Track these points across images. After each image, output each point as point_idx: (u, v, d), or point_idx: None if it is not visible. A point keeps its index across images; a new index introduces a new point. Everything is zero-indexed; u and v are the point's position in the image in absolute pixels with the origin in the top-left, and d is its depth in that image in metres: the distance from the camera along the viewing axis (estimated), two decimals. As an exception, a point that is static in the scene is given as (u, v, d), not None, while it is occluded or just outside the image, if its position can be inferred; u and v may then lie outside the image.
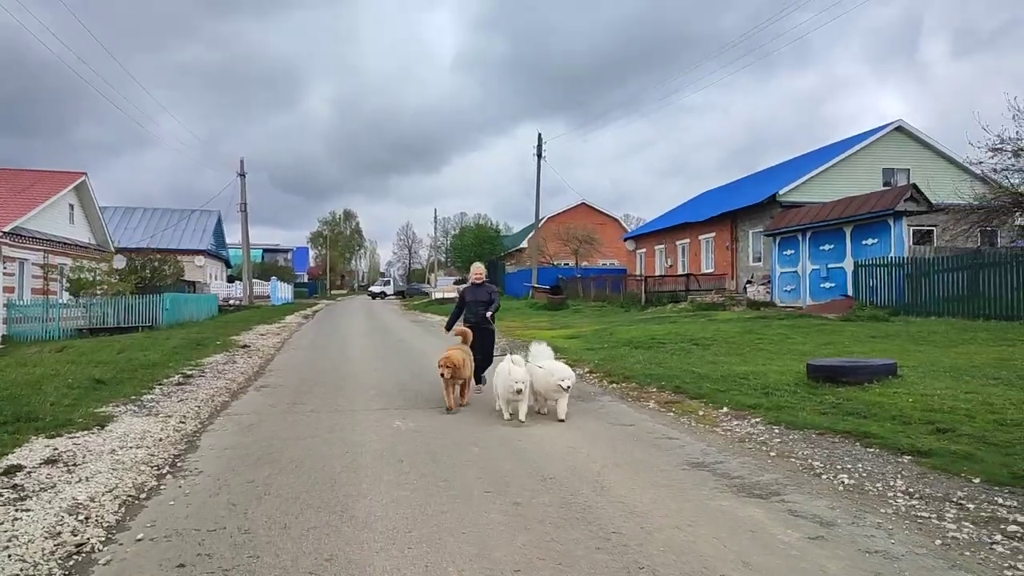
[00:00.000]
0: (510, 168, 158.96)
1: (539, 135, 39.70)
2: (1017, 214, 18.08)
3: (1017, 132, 16.97)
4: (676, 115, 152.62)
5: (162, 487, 4.96)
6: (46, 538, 3.81)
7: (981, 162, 20.09)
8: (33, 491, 4.64)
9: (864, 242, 20.92)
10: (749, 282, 27.11)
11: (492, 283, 10.57)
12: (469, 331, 8.98)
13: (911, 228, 25.66)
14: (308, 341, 18.60)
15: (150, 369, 10.71)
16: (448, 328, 9.65)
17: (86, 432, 6.39)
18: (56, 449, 5.70)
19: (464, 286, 10.34)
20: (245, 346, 15.82)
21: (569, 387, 7.04)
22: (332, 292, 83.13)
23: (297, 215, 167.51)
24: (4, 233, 22.23)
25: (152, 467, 5.42)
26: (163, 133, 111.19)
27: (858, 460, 5.40)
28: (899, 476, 4.95)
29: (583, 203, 57.41)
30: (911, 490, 4.64)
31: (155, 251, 35.03)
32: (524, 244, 55.06)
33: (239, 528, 4.10)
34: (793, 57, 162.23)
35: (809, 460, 5.50)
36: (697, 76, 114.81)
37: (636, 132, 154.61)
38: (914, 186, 19.81)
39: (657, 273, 35.36)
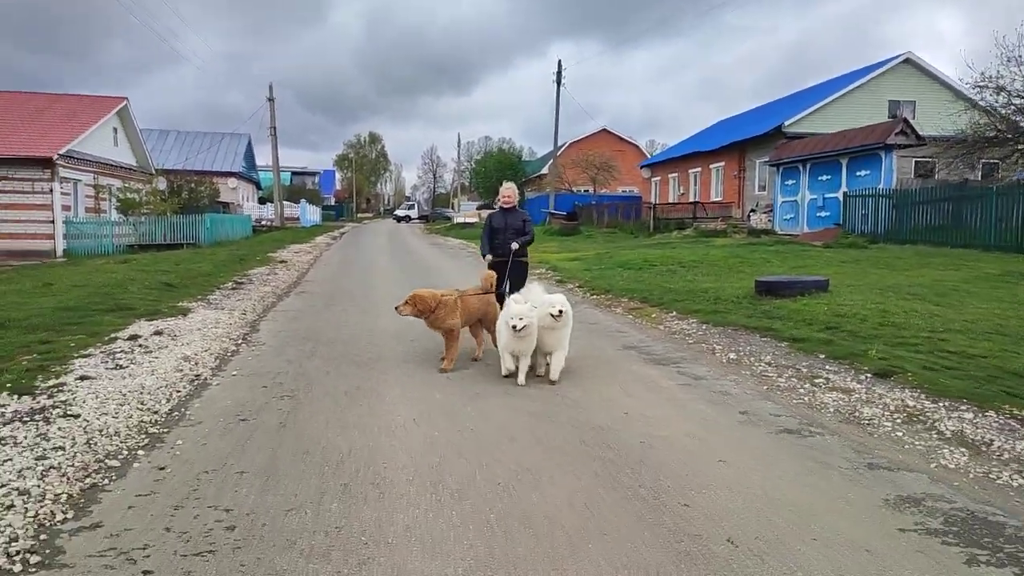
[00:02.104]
0: (541, 89, 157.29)
1: (559, 62, 40.35)
2: (1000, 147, 19.02)
3: (998, 71, 17.82)
4: (714, 35, 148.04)
5: (240, 351, 6.99)
6: (175, 371, 5.83)
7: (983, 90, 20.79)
8: (154, 348, 6.69)
9: (858, 173, 22.11)
10: (753, 210, 28.41)
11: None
12: (493, 274, 7.23)
13: (914, 160, 26.59)
14: (338, 258, 20.67)
15: (207, 277, 12.78)
16: (484, 254, 7.84)
17: (174, 318, 8.44)
18: (157, 327, 7.74)
19: (491, 211, 8.64)
20: (283, 261, 17.88)
21: (561, 313, 5.77)
22: (358, 215, 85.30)
23: (324, 137, 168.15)
24: (59, 155, 24.22)
25: (230, 339, 7.46)
26: (189, 51, 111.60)
27: (749, 345, 7.23)
28: (770, 354, 6.78)
29: (604, 129, 57.98)
30: (771, 361, 6.48)
31: (191, 173, 37.14)
32: (545, 170, 56.13)
33: (297, 371, 6.10)
34: None
35: (713, 345, 7.35)
36: None
37: (672, 53, 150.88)
38: (905, 120, 20.82)
39: (670, 200, 36.61)
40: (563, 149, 50.44)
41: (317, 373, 6.08)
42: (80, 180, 26.67)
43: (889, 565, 2.85)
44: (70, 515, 3.21)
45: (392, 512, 3.29)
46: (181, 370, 5.93)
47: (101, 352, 6.43)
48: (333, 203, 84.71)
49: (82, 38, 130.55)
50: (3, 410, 4.57)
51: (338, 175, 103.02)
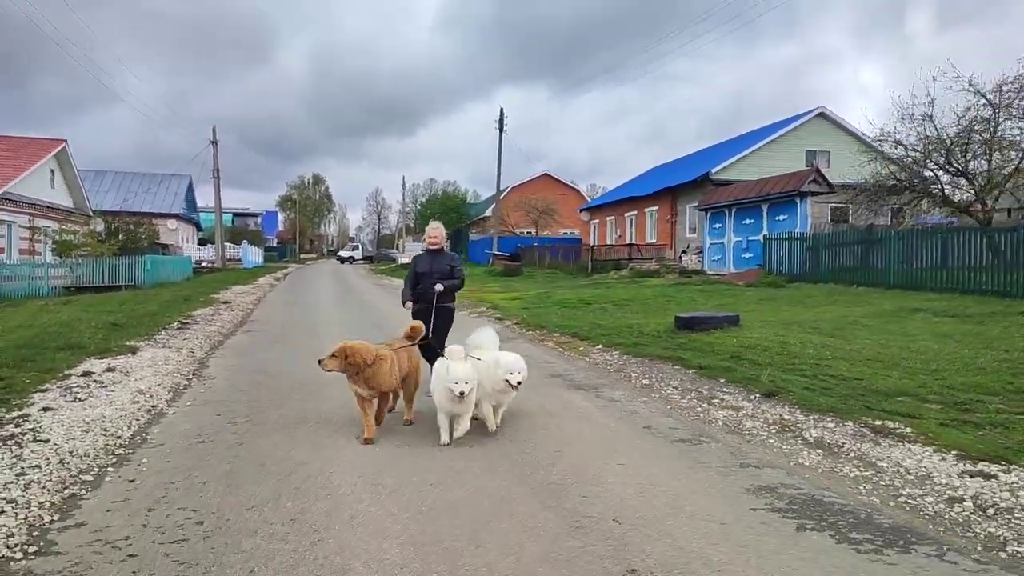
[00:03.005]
0: (487, 133, 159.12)
1: (501, 109, 41.90)
2: (898, 196, 20.88)
3: (894, 127, 19.72)
4: (658, 82, 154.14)
5: (191, 384, 7.46)
6: (131, 403, 6.29)
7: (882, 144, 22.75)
8: (109, 383, 7.11)
9: (778, 218, 23.78)
10: (684, 252, 29.95)
11: (455, 251, 8.59)
12: (421, 325, 6.50)
13: (829, 206, 28.59)
14: (282, 299, 20.97)
15: (152, 317, 13.04)
16: (405, 301, 7.22)
17: (124, 355, 8.81)
18: (109, 364, 8.12)
19: (417, 254, 8.05)
20: (226, 302, 18.12)
21: (519, 384, 5.32)
22: (302, 256, 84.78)
23: (267, 178, 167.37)
24: (-5, 198, 23.98)
25: (181, 374, 7.90)
26: (128, 90, 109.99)
27: (661, 372, 8.09)
28: (678, 379, 7.64)
29: (546, 174, 59.82)
30: (677, 386, 7.33)
31: (129, 214, 36.77)
32: (489, 212, 57.40)
33: (249, 400, 6.64)
34: (778, 25, 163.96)
35: (630, 373, 8.19)
36: (681, 42, 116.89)
37: (617, 99, 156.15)
38: (817, 169, 22.68)
39: (608, 242, 38.08)
40: (506, 192, 51.80)
41: (267, 402, 6.62)
42: (15, 222, 26.33)
43: (736, 532, 3.62)
44: (56, 517, 3.72)
45: (339, 506, 3.91)
46: (137, 402, 6.39)
47: (58, 387, 6.83)
48: (275, 244, 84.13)
49: (14, 73, 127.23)
50: (-25, 437, 4.99)
51: (281, 216, 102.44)
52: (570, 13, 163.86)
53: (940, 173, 19.51)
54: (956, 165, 18.80)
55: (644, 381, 7.70)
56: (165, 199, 48.24)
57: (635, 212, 35.96)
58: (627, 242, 34.81)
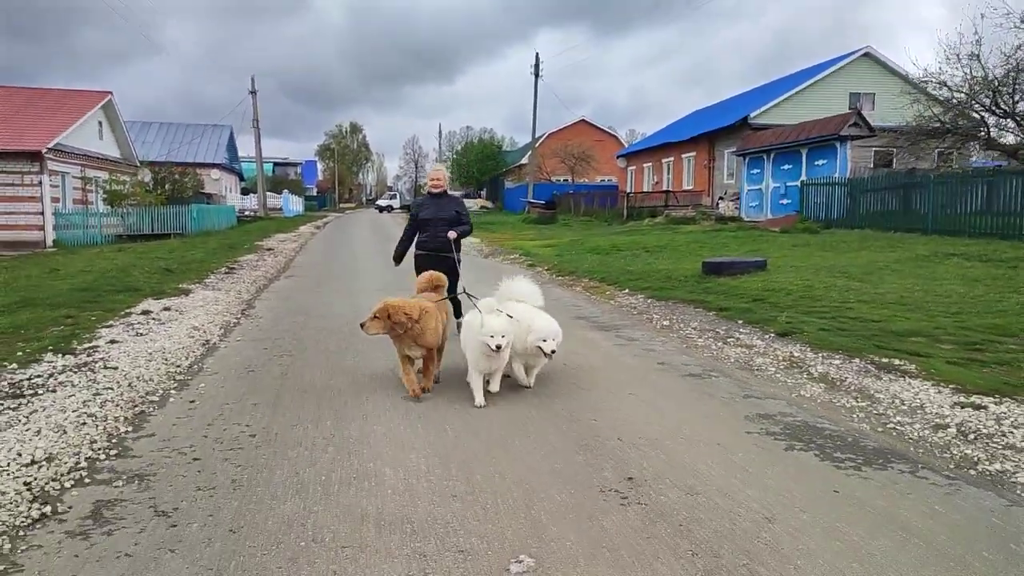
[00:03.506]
0: (524, 78, 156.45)
1: (536, 54, 41.38)
2: (941, 139, 20.33)
3: (939, 66, 19.11)
4: (702, 21, 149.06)
5: (240, 323, 8.04)
6: (188, 337, 6.87)
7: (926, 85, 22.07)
8: (166, 320, 7.73)
9: (817, 163, 23.36)
10: (721, 198, 29.66)
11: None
12: (442, 276, 5.95)
13: (873, 150, 27.91)
14: (322, 246, 21.65)
15: (201, 263, 13.74)
16: (398, 259, 7.01)
17: (178, 297, 9.45)
18: (165, 305, 8.75)
19: (418, 199, 7.46)
20: (270, 249, 18.83)
21: (554, 352, 4.96)
22: (341, 205, 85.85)
23: (306, 127, 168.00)
24: (48, 149, 24.90)
25: (231, 314, 8.50)
26: (169, 40, 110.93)
27: (683, 314, 8.39)
28: (697, 321, 7.94)
29: (583, 120, 59.02)
30: (696, 326, 7.65)
31: (175, 164, 37.80)
32: (525, 160, 57.19)
33: (293, 338, 7.18)
34: None
35: (652, 315, 8.51)
36: None
37: (660, 40, 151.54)
38: (858, 112, 22.10)
39: (645, 189, 37.82)
40: (542, 139, 51.46)
41: (310, 339, 7.15)
42: (68, 173, 27.34)
43: (729, 451, 3.99)
44: (130, 429, 4.28)
45: (373, 426, 4.39)
46: (193, 336, 6.98)
47: (121, 323, 7.46)
48: (315, 193, 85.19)
49: (58, 27, 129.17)
50: (55, 364, 5.61)
51: (320, 165, 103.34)
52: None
53: (986, 115, 18.94)
54: (1003, 106, 18.23)
55: (665, 322, 8.03)
56: (208, 149, 49.18)
57: (672, 158, 35.54)
58: (664, 189, 34.54)
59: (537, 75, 41.10)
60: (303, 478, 3.56)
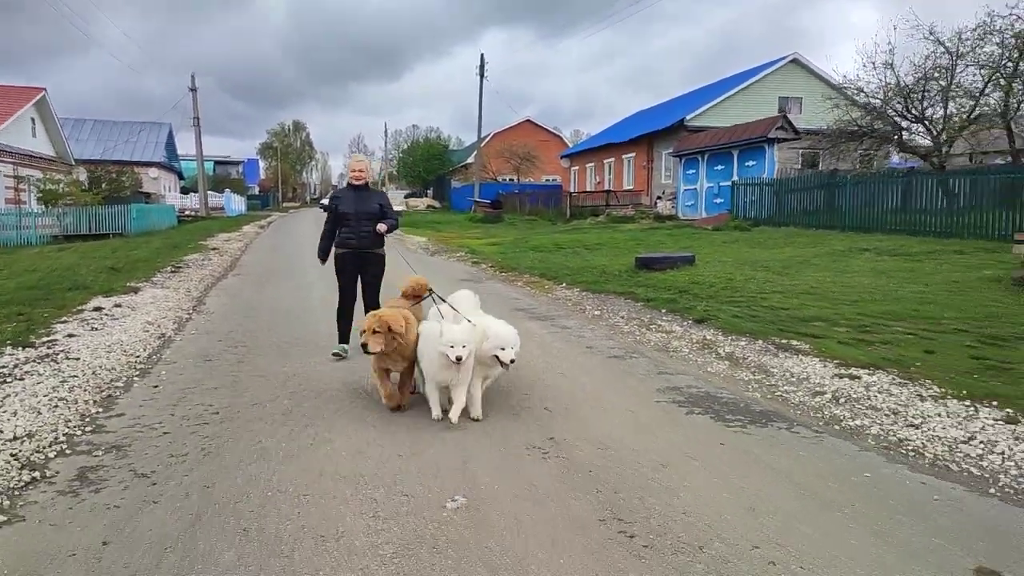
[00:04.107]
0: (471, 77, 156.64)
1: (481, 55, 41.90)
2: (858, 142, 21.71)
3: (856, 73, 20.45)
4: (647, 23, 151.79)
5: (192, 318, 8.36)
6: (142, 331, 7.19)
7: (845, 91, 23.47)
8: (119, 316, 8.00)
9: (747, 164, 24.59)
10: (659, 198, 30.78)
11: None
12: (423, 279, 5.60)
13: (800, 152, 29.38)
14: (267, 245, 21.73)
15: (146, 262, 13.83)
16: (324, 257, 6.50)
17: (128, 295, 9.66)
18: (116, 302, 8.98)
19: (336, 190, 6.41)
20: (214, 248, 18.86)
21: (512, 362, 4.54)
22: (284, 204, 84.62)
23: (248, 125, 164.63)
24: (-22, 147, 24.25)
25: (182, 310, 8.80)
26: (104, 34, 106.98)
27: (612, 305, 9.08)
28: (625, 311, 8.64)
29: (528, 120, 59.83)
30: (624, 315, 8.34)
31: (112, 163, 36.99)
32: (471, 160, 57.66)
33: (244, 330, 7.56)
34: None
35: (585, 306, 9.18)
36: None
37: (605, 41, 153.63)
38: (784, 116, 23.44)
39: (587, 189, 38.78)
40: (488, 139, 52.01)
41: (260, 330, 7.56)
42: (0, 172, 26.60)
43: (637, 416, 4.64)
44: (100, 410, 4.67)
45: (326, 405, 4.88)
46: (147, 331, 7.30)
47: (75, 319, 7.71)
48: (258, 192, 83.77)
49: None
50: (17, 356, 5.89)
51: (262, 164, 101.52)
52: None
53: (899, 120, 20.34)
54: (914, 112, 19.65)
55: (596, 312, 8.70)
56: (146, 148, 48.10)
57: (613, 159, 36.58)
58: (605, 188, 35.54)
59: (482, 76, 41.64)
60: (265, 445, 4.04)
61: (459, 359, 4.25)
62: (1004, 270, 9.96)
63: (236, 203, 56.91)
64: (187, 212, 44.33)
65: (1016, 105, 18.83)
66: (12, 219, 25.54)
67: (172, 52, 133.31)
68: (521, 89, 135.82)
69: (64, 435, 4.16)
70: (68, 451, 3.94)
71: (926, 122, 19.91)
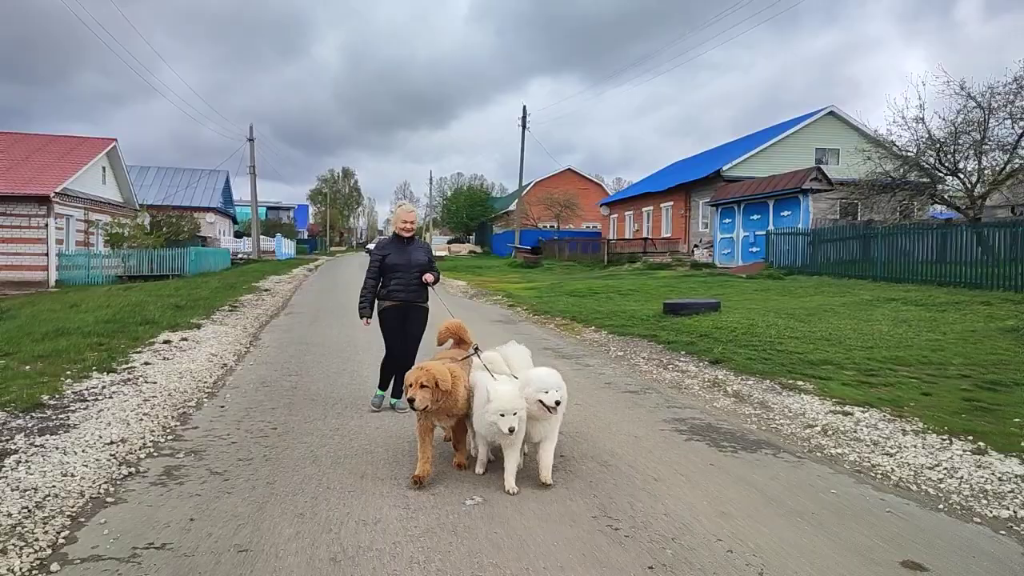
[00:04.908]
0: (515, 125, 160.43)
1: (524, 107, 43.46)
2: (890, 195, 22.00)
3: (887, 130, 20.92)
4: (692, 72, 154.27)
5: (251, 351, 9.23)
6: (207, 361, 8.06)
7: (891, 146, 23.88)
8: (186, 348, 8.91)
9: (782, 214, 25.03)
10: (696, 246, 31.28)
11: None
12: (465, 327, 5.51)
13: (839, 202, 29.66)
14: (316, 287, 22.88)
15: (206, 301, 14.93)
16: (368, 313, 6.24)
17: (191, 330, 10.63)
18: (182, 336, 9.94)
19: (380, 241, 6.70)
20: (267, 290, 20.03)
21: (558, 404, 4.23)
22: (331, 249, 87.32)
23: (299, 170, 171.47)
24: (56, 193, 26.21)
25: (240, 344, 9.70)
26: (167, 85, 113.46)
27: (635, 346, 9.66)
28: (647, 352, 9.21)
29: (569, 169, 61.23)
30: (645, 356, 8.91)
31: (172, 208, 39.32)
32: (513, 207, 59.06)
33: (298, 361, 8.38)
34: (818, 12, 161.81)
35: (609, 346, 9.78)
36: (718, 30, 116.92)
37: (650, 91, 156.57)
38: (819, 168, 23.89)
39: (626, 236, 39.48)
40: (529, 187, 53.39)
41: (312, 362, 8.37)
42: (72, 216, 28.62)
43: (642, 441, 5.22)
44: (178, 423, 5.48)
45: (368, 422, 5.59)
46: (212, 360, 8.18)
47: (148, 350, 8.64)
48: (307, 237, 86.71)
49: (56, 68, 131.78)
50: (103, 380, 6.79)
51: (311, 209, 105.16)
52: (605, 2, 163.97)
53: (932, 172, 20.67)
54: (947, 165, 19.95)
55: (619, 353, 9.30)
56: (204, 194, 50.71)
57: (651, 207, 37.30)
58: (643, 236, 36.20)
59: (524, 126, 43.10)
60: (317, 454, 4.77)
61: (512, 430, 4.05)
62: None
63: (286, 247, 59.19)
64: (240, 255, 46.41)
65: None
66: (82, 260, 27.41)
67: (229, 100, 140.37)
68: (565, 137, 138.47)
69: (150, 442, 4.95)
70: (155, 454, 4.72)
71: (960, 175, 20.18)
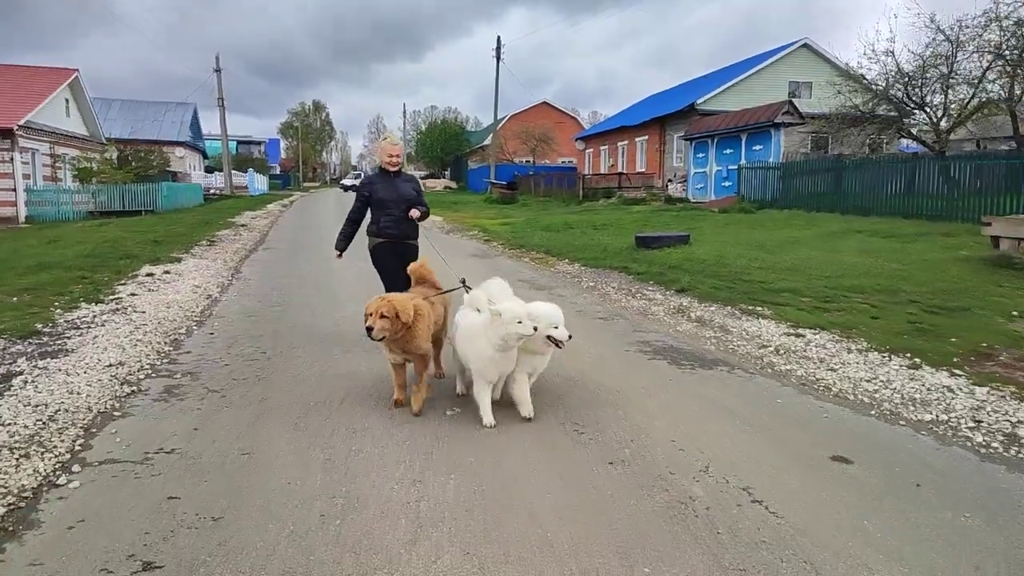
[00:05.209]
0: (491, 57, 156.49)
1: (498, 38, 42.57)
2: (860, 129, 22.31)
3: (857, 63, 21.08)
4: (672, 2, 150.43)
5: (232, 283, 9.46)
6: (192, 292, 8.30)
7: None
8: (170, 280, 9.13)
9: (754, 148, 25.30)
10: (670, 180, 31.53)
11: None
12: (427, 268, 5.35)
13: (810, 136, 29.91)
14: (292, 222, 22.87)
15: (183, 236, 14.99)
16: (342, 248, 6.17)
17: (173, 264, 10.80)
18: (164, 269, 10.11)
19: (367, 175, 6.81)
20: (243, 225, 20.03)
21: (570, 338, 4.26)
22: (305, 184, 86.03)
23: (269, 104, 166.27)
24: (19, 126, 25.52)
25: (222, 276, 9.92)
26: (127, 11, 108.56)
27: (608, 278, 10.05)
28: (617, 282, 9.61)
29: (544, 102, 60.49)
30: (615, 286, 9.31)
31: (140, 142, 38.43)
32: (488, 141, 58.43)
33: (279, 292, 8.66)
34: None
35: (582, 278, 10.16)
36: None
37: (628, 19, 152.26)
38: (790, 101, 24.06)
39: (601, 171, 39.53)
40: (505, 121, 52.81)
41: (293, 292, 8.66)
42: (38, 150, 27.92)
43: (608, 360, 5.64)
44: (171, 348, 5.78)
45: (352, 347, 5.93)
46: (196, 292, 8.42)
47: (132, 282, 8.84)
48: (279, 172, 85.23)
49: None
50: (92, 310, 7.02)
51: (283, 143, 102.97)
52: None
53: (900, 106, 20.93)
54: (914, 99, 20.22)
55: (590, 284, 9.68)
56: (172, 127, 49.39)
57: (626, 141, 37.28)
58: (618, 171, 36.29)
59: (499, 58, 42.36)
60: (305, 375, 5.11)
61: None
62: (979, 251, 10.78)
63: (259, 183, 58.31)
64: (212, 191, 45.72)
65: (1020, 92, 19.32)
66: (51, 195, 26.95)
67: (195, 30, 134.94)
68: (541, 69, 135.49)
69: (147, 364, 5.26)
70: (153, 375, 5.03)
71: (927, 109, 20.47)
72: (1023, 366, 5.34)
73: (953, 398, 4.59)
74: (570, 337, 4.22)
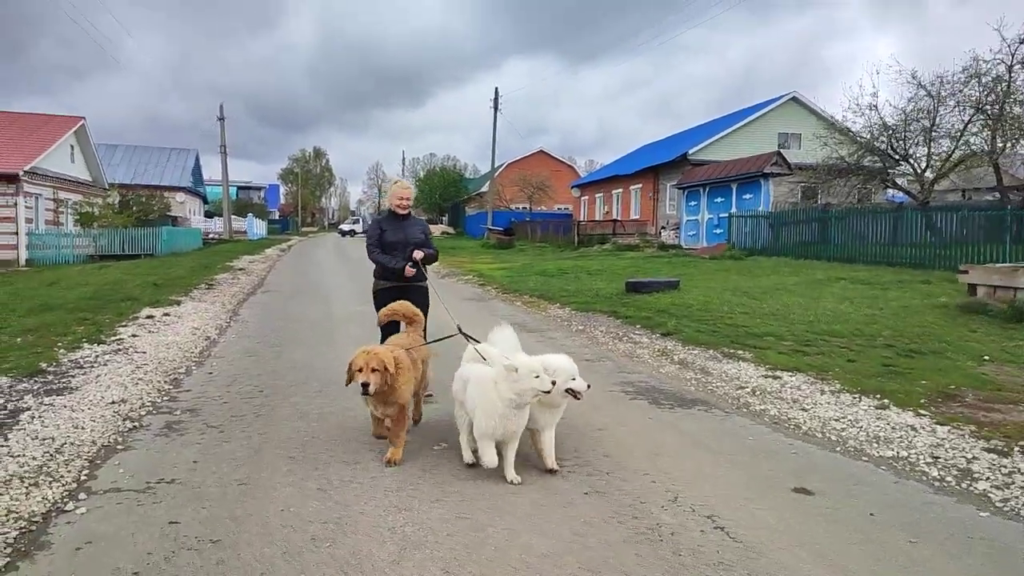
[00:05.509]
0: (489, 106, 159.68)
1: (496, 89, 43.76)
2: (846, 180, 22.96)
3: (842, 116, 21.84)
4: (668, 55, 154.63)
5: (231, 325, 9.72)
6: (191, 334, 8.55)
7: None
8: (169, 322, 9.38)
9: (744, 196, 25.88)
10: (663, 228, 32.10)
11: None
12: (414, 308, 5.33)
13: (800, 185, 30.61)
14: (290, 267, 23.23)
15: (182, 279, 15.29)
16: (400, 266, 5.74)
17: (172, 306, 11.07)
18: (164, 311, 10.38)
19: (376, 218, 6.49)
20: (241, 269, 20.36)
21: (589, 387, 4.24)
22: (303, 229, 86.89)
23: (270, 149, 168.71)
24: (24, 172, 26.06)
25: (220, 319, 10.17)
26: (132, 59, 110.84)
27: (596, 322, 10.33)
28: (605, 326, 9.89)
29: (541, 150, 61.69)
30: (604, 329, 9.59)
31: (141, 187, 39.06)
32: (486, 188, 59.39)
33: (278, 334, 8.91)
34: None
35: (572, 322, 10.45)
36: (693, 12, 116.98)
37: (626, 71, 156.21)
38: (779, 152, 24.73)
39: (596, 218, 40.20)
40: (502, 169, 53.78)
41: (291, 335, 8.90)
42: (41, 195, 28.44)
43: (593, 400, 5.86)
44: (172, 387, 6.01)
45: (347, 391, 6.16)
46: (195, 334, 8.67)
47: (133, 324, 9.10)
48: (278, 217, 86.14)
49: (17, 40, 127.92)
50: (95, 350, 7.26)
51: (283, 188, 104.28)
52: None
53: (885, 158, 21.61)
54: (897, 151, 20.90)
55: (580, 327, 9.97)
56: (173, 173, 50.18)
57: (621, 189, 38.03)
58: (612, 218, 36.92)
59: (496, 108, 43.45)
60: (303, 410, 5.35)
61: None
62: (956, 298, 11.11)
63: (258, 227, 58.96)
64: (211, 235, 46.26)
65: (1002, 145, 19.99)
66: (53, 239, 27.35)
67: (199, 76, 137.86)
68: (539, 118, 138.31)
69: (149, 402, 5.50)
70: (154, 412, 5.27)
71: (910, 160, 21.13)
72: (987, 407, 5.60)
73: (915, 436, 4.84)
74: (588, 387, 4.16)
